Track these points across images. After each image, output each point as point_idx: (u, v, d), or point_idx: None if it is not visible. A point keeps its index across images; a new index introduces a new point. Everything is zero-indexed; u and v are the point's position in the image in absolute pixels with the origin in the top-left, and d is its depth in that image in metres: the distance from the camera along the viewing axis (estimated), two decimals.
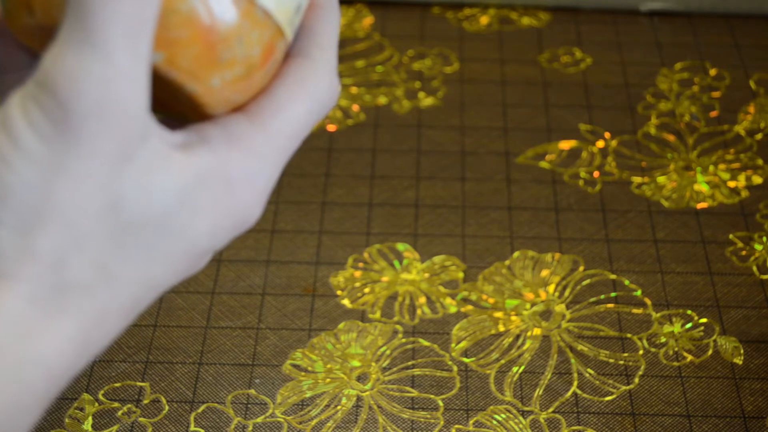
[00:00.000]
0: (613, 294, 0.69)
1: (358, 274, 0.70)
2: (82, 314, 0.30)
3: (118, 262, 0.31)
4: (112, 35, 0.28)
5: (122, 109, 0.29)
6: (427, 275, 0.70)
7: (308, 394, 0.63)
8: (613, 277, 0.70)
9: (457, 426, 0.62)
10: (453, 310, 0.68)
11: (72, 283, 0.30)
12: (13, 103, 0.29)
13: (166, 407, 0.62)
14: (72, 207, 0.29)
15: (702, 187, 0.77)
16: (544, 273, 0.70)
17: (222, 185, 0.32)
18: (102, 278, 0.30)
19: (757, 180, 0.77)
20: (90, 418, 0.62)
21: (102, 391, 0.63)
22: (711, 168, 0.78)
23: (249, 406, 0.63)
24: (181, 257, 0.32)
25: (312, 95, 0.35)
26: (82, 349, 0.31)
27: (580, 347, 0.66)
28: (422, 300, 0.69)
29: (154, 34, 0.30)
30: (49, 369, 0.30)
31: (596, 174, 0.78)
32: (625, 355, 0.65)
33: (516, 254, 0.72)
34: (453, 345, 0.66)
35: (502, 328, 0.67)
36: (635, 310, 0.68)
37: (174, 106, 0.34)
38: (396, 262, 0.71)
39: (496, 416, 0.62)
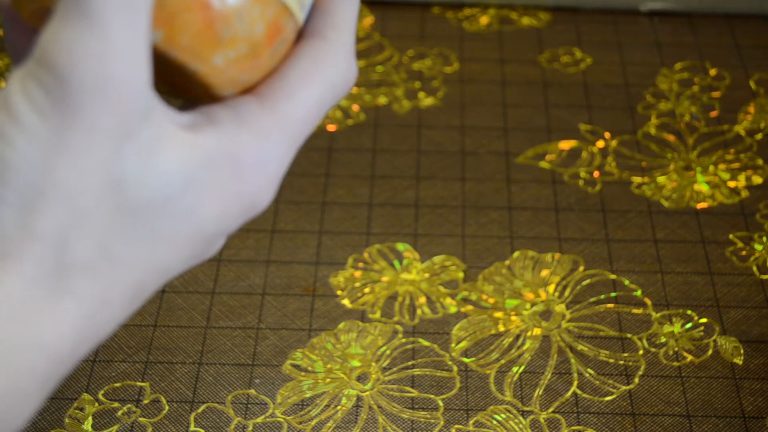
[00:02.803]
0: (613, 294, 0.69)
1: (358, 274, 0.70)
2: (84, 296, 0.30)
3: (121, 243, 0.30)
4: (109, 9, 0.28)
5: (121, 84, 0.29)
6: (427, 275, 0.70)
7: (308, 394, 0.63)
8: (613, 277, 0.70)
9: (457, 426, 0.62)
10: (453, 310, 0.68)
11: (74, 264, 0.29)
12: (13, 81, 0.29)
13: (166, 407, 0.62)
14: (72, 184, 0.29)
15: (702, 187, 0.77)
16: (544, 273, 0.70)
17: (230, 168, 0.32)
18: (105, 259, 0.30)
19: (757, 180, 0.77)
20: (90, 418, 0.62)
21: (102, 391, 0.63)
22: (711, 168, 0.78)
23: (249, 406, 0.63)
24: (186, 241, 0.31)
25: (326, 77, 0.34)
26: (85, 332, 0.30)
27: (580, 347, 0.66)
28: (422, 300, 0.69)
29: (153, 11, 0.30)
30: (50, 352, 0.29)
31: (596, 174, 0.78)
32: (625, 355, 0.65)
33: (516, 254, 0.72)
34: (453, 345, 0.66)
35: (502, 328, 0.67)
36: (635, 310, 0.68)
37: (187, 89, 0.34)
38: (396, 262, 0.71)
39: (496, 416, 0.62)
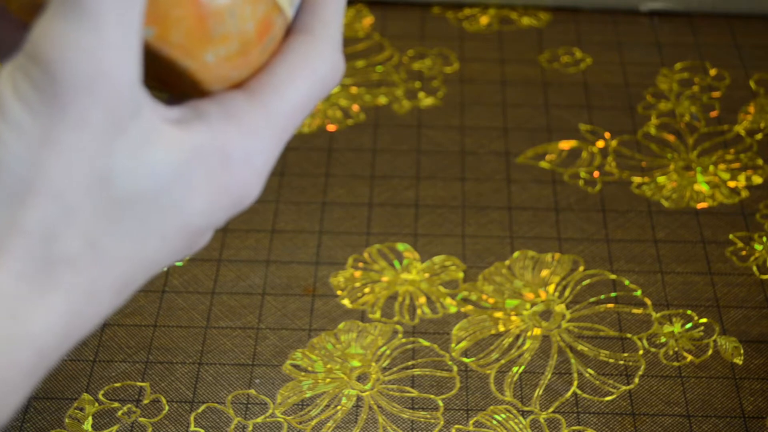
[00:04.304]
0: (613, 294, 0.69)
1: (358, 274, 0.70)
2: (71, 290, 0.30)
3: (109, 237, 0.30)
4: (104, 4, 0.28)
5: (112, 80, 0.29)
6: (427, 275, 0.70)
7: (308, 394, 0.63)
8: (613, 277, 0.70)
9: (457, 426, 0.62)
10: (453, 310, 0.68)
11: (61, 258, 0.29)
12: (2, 76, 0.29)
13: (166, 407, 0.62)
14: (60, 179, 0.29)
15: (702, 187, 0.77)
16: (544, 273, 0.70)
17: (218, 163, 0.32)
18: (92, 253, 0.30)
19: (757, 180, 0.77)
20: (90, 418, 0.62)
21: (102, 391, 0.63)
22: (711, 168, 0.78)
23: (249, 406, 0.63)
24: (175, 234, 0.32)
25: (314, 72, 0.34)
26: (73, 325, 0.30)
27: (580, 347, 0.66)
28: (422, 300, 0.69)
29: (145, 7, 0.30)
30: (37, 346, 0.29)
31: (596, 174, 0.78)
32: (625, 355, 0.66)
33: (516, 254, 0.72)
34: (453, 345, 0.66)
35: (502, 328, 0.67)
36: (635, 310, 0.68)
37: (177, 85, 0.34)
38: (396, 262, 0.71)
39: (496, 416, 0.62)
